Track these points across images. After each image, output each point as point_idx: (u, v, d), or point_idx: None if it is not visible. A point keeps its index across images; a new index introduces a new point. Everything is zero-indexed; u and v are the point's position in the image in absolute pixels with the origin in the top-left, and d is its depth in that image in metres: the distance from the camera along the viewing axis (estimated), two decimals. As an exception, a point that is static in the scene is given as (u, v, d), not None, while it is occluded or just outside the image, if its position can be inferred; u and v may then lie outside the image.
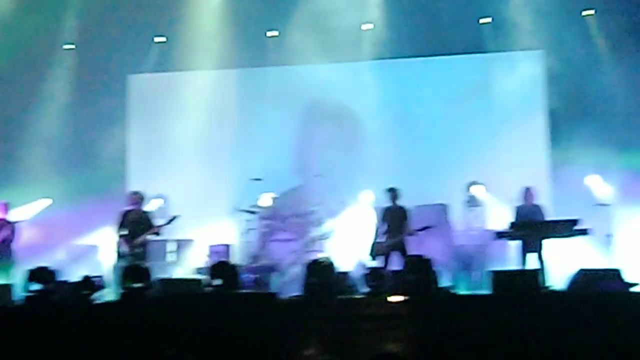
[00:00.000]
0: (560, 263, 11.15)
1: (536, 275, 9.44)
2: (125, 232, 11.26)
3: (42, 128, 15.42)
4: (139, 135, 16.45)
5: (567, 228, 11.00)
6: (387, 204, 12.20)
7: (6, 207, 12.32)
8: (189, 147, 15.64)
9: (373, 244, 12.01)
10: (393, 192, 12.18)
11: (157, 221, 11.68)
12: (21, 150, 15.20)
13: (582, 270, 9.25)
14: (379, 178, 14.16)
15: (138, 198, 11.62)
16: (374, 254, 11.87)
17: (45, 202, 14.35)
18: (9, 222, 12.22)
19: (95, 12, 15.15)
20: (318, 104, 15.65)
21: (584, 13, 14.89)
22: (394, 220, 12.01)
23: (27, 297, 9.06)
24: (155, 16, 15.34)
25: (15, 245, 12.18)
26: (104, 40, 15.40)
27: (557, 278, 10.14)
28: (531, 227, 11.36)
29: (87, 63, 15.91)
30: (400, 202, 12.16)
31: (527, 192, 12.02)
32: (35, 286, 9.32)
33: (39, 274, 9.36)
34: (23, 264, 11.11)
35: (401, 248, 11.74)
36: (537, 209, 11.87)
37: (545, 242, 11.36)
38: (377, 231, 12.10)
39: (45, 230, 14.00)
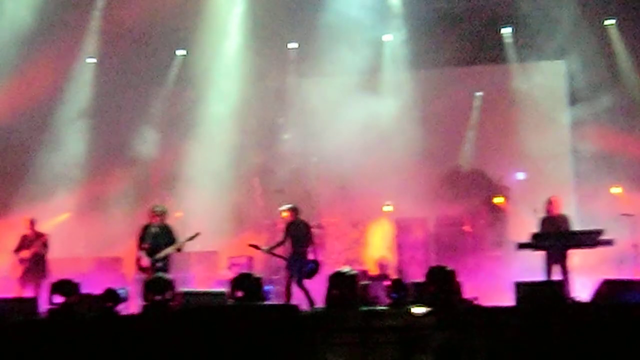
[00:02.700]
0: (584, 274, 11.03)
1: (560, 287, 9.36)
2: (146, 245, 11.28)
3: (63, 141, 15.49)
4: (163, 150, 16.50)
5: (591, 238, 10.87)
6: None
7: (32, 223, 12.48)
8: (213, 160, 15.70)
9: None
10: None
11: (179, 235, 11.69)
12: (41, 164, 15.26)
13: (606, 281, 9.15)
14: (400, 190, 14.20)
15: (159, 212, 11.63)
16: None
17: (65, 216, 14.43)
18: (38, 236, 12.34)
19: (117, 26, 15.25)
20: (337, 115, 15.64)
21: (605, 23, 14.82)
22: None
23: (50, 310, 9.11)
24: (177, 30, 15.44)
25: (47, 258, 12.33)
26: (126, 54, 15.49)
27: (582, 289, 10.04)
28: (555, 238, 11.19)
29: (109, 76, 15.98)
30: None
31: (551, 203, 11.82)
32: (59, 299, 9.37)
33: (62, 287, 9.41)
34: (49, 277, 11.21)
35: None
36: (562, 219, 11.67)
37: (570, 253, 11.24)
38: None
39: (69, 243, 14.04)
